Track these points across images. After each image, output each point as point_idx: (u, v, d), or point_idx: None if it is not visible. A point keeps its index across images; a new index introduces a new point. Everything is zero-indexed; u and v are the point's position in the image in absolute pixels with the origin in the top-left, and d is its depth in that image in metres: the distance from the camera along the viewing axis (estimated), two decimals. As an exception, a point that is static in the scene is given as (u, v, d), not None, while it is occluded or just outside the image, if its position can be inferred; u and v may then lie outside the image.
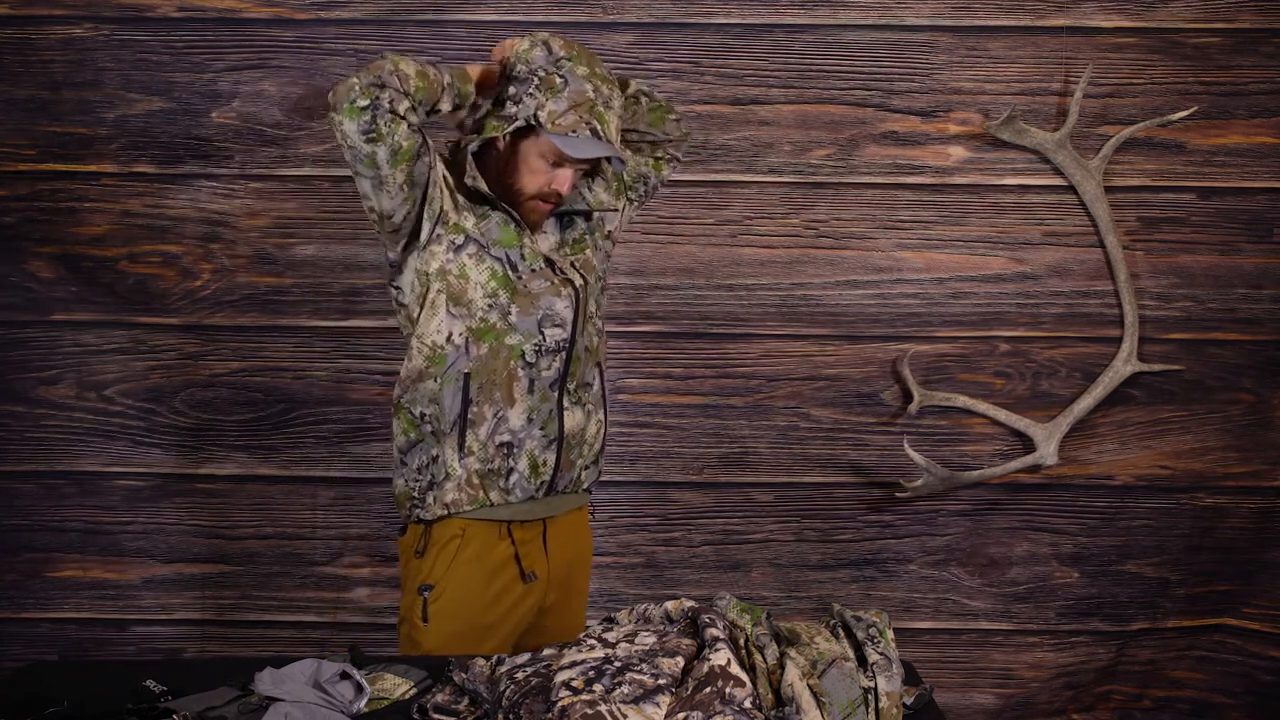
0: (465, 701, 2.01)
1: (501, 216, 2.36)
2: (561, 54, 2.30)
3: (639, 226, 3.04)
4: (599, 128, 2.28)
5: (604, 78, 2.33)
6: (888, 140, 3.05)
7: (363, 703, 1.99)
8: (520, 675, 1.96)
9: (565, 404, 2.38)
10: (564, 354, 2.37)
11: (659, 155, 2.62)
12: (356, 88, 2.18)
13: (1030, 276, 3.09)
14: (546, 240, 2.44)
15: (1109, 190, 3.04)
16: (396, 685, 2.08)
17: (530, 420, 2.35)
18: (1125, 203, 3.07)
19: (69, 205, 3.05)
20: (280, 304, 3.07)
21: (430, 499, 2.36)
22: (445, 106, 2.31)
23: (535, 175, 2.34)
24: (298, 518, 3.13)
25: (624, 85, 2.55)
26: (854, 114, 3.05)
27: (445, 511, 2.35)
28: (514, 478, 2.36)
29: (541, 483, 2.38)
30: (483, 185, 2.35)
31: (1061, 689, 3.21)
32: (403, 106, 2.20)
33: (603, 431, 2.48)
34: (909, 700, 2.02)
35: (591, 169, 2.46)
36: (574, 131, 2.27)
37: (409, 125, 2.22)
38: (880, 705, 1.89)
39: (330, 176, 3.04)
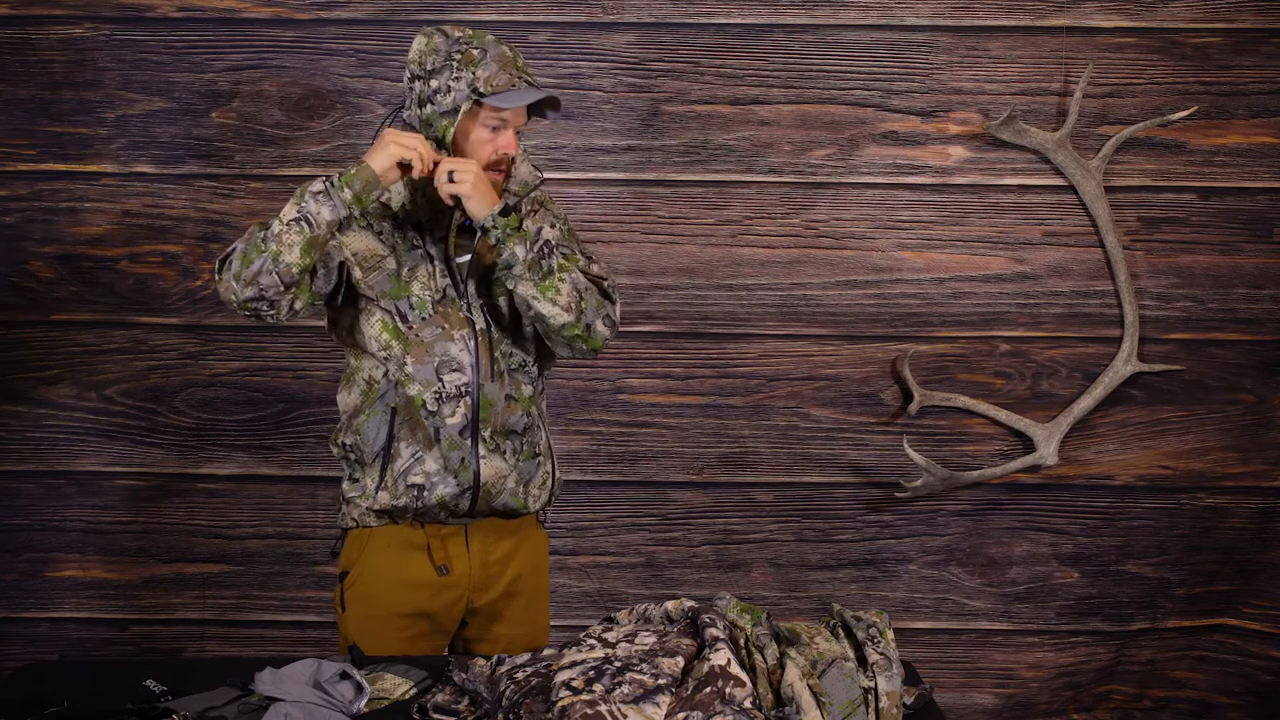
0: (465, 701, 2.01)
1: (391, 263, 2.30)
2: (458, 34, 2.30)
3: (639, 227, 3.04)
4: (529, 79, 2.28)
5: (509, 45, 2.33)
6: (888, 140, 3.05)
7: (363, 703, 1.99)
8: (520, 675, 1.97)
9: (482, 452, 2.32)
10: (469, 398, 2.31)
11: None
12: (235, 302, 2.20)
13: (1030, 276, 3.09)
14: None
15: (1109, 190, 3.04)
16: (396, 685, 2.08)
17: (445, 468, 2.31)
18: (1125, 203, 3.07)
19: (69, 205, 3.04)
20: (280, 304, 3.06)
21: (346, 508, 2.39)
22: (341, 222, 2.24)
23: (481, 148, 2.29)
24: (298, 518, 3.13)
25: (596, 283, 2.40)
26: (854, 114, 3.05)
27: (355, 524, 2.37)
28: (424, 510, 2.34)
29: (450, 516, 2.35)
30: (398, 199, 2.32)
31: (1061, 689, 3.21)
32: (285, 299, 2.20)
33: (550, 481, 2.43)
34: (909, 700, 2.02)
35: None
36: (513, 86, 2.26)
37: (292, 301, 2.22)
38: (880, 705, 1.89)
39: (330, 176, 3.03)
